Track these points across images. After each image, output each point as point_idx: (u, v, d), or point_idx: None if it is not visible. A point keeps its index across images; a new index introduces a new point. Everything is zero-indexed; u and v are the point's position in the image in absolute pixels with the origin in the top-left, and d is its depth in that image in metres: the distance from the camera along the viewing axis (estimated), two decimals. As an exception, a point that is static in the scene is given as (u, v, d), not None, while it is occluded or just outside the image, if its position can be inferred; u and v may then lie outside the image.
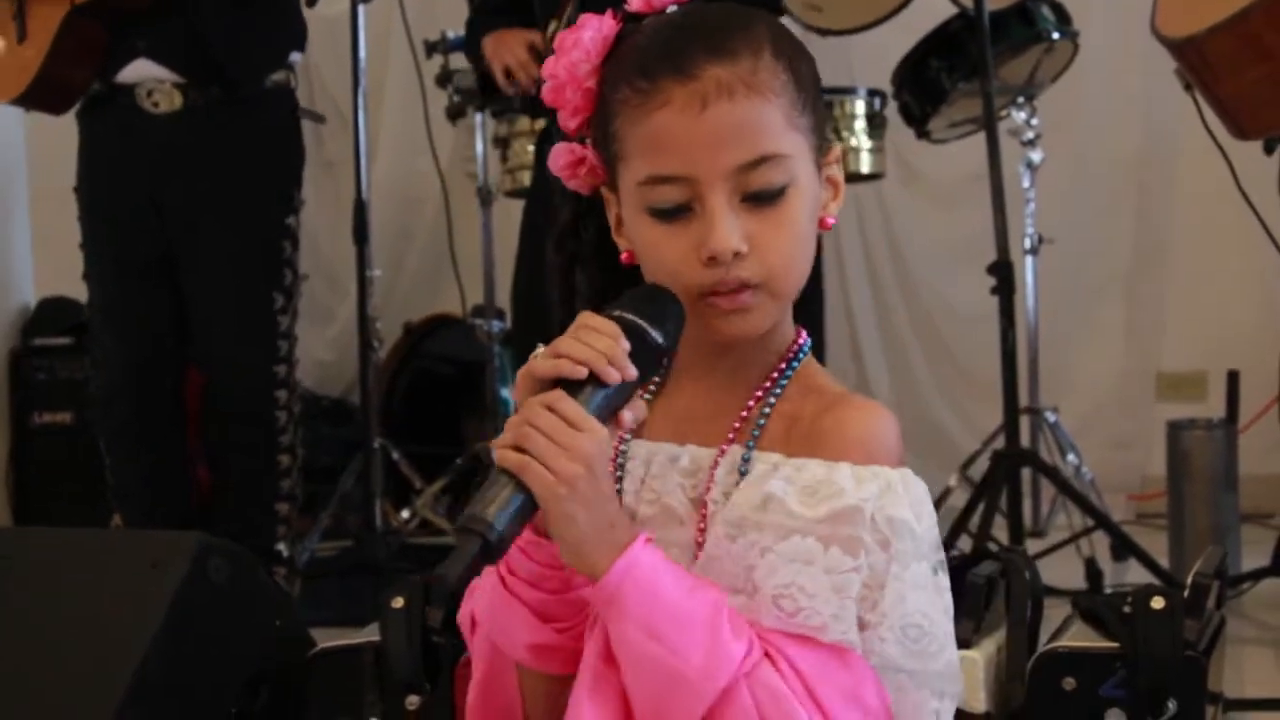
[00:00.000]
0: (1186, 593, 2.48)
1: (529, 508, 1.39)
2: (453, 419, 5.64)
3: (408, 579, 2.84)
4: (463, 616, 1.61)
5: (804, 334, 1.60)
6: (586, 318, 1.45)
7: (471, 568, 1.36)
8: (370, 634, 2.78)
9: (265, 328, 4.02)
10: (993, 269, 4.09)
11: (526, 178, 4.41)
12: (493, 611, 1.50)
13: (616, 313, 1.46)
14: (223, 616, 2.74)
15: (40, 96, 4.05)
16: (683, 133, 1.47)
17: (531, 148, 4.42)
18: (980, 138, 4.42)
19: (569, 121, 1.57)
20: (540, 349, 1.45)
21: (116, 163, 3.99)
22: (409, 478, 5.28)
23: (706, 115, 1.47)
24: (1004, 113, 4.96)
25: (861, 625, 1.44)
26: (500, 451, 1.39)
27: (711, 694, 1.39)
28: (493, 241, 5.38)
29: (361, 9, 4.72)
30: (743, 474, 1.50)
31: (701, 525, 1.50)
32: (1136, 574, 4.20)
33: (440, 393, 5.73)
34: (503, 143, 4.98)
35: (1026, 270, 5.20)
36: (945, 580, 1.49)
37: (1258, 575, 4.26)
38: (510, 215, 4.95)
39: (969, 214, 5.54)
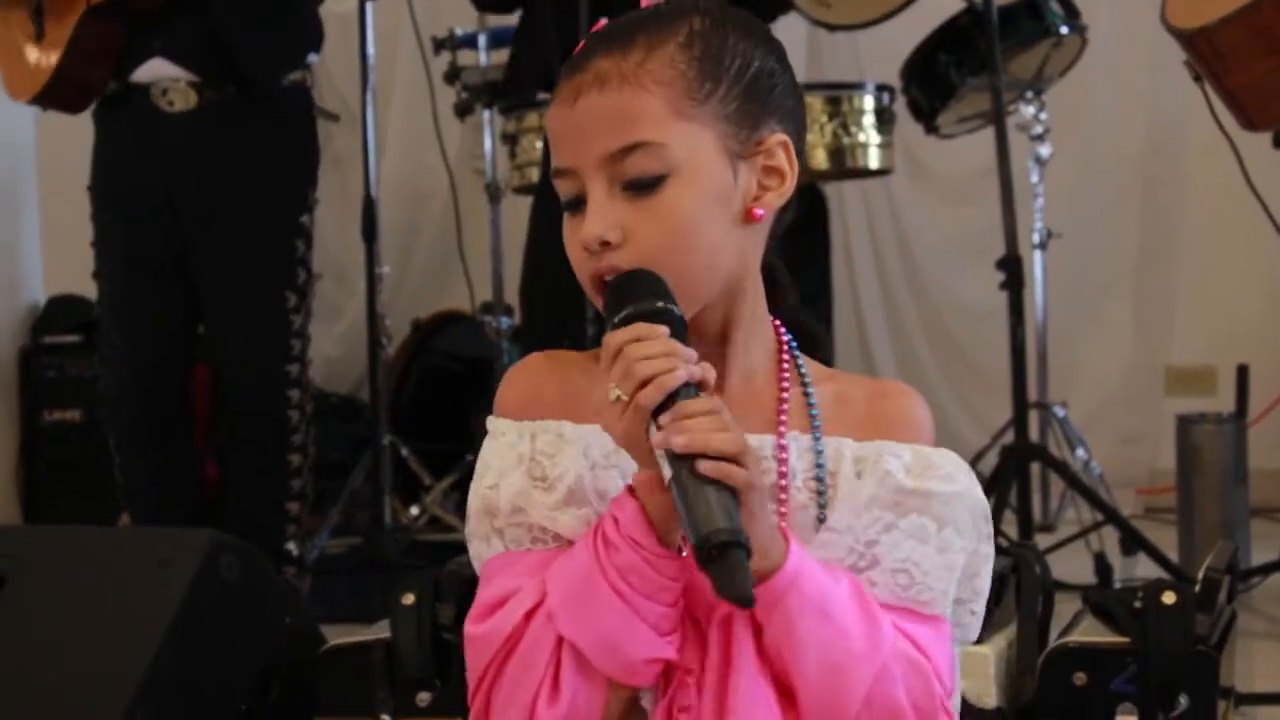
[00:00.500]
0: (1198, 587, 2.48)
1: (739, 503, 1.39)
2: (461, 415, 5.63)
3: (418, 575, 2.85)
4: (485, 633, 1.53)
5: (781, 326, 1.60)
6: (619, 336, 1.43)
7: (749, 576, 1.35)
8: (380, 630, 2.78)
9: (278, 326, 4.02)
10: (1001, 264, 4.09)
11: (535, 174, 4.41)
12: (600, 627, 1.43)
13: (632, 309, 1.45)
14: (233, 613, 2.74)
15: (57, 95, 4.06)
16: (561, 124, 1.51)
17: (540, 144, 4.42)
18: (988, 133, 4.42)
19: None
20: (611, 389, 1.42)
21: (131, 161, 3.99)
22: (418, 474, 5.28)
23: (578, 105, 1.49)
24: (1012, 108, 4.96)
25: (957, 602, 1.53)
26: (711, 464, 1.37)
27: (876, 667, 1.44)
28: (501, 238, 5.38)
29: (370, 6, 4.72)
30: (819, 462, 1.51)
31: (783, 512, 1.50)
32: (1146, 569, 4.20)
33: (449, 389, 5.73)
34: (511, 139, 4.98)
35: (1035, 265, 5.20)
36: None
37: (1268, 570, 4.26)
38: (518, 212, 4.95)
39: (977, 209, 5.54)
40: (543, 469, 1.53)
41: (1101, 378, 5.95)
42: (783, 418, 1.53)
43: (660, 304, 1.45)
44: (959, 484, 1.51)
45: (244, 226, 3.95)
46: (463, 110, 5.28)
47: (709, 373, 1.42)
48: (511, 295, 4.98)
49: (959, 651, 1.58)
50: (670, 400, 1.40)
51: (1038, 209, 5.20)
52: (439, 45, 5.26)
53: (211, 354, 4.11)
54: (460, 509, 5.28)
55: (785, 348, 1.58)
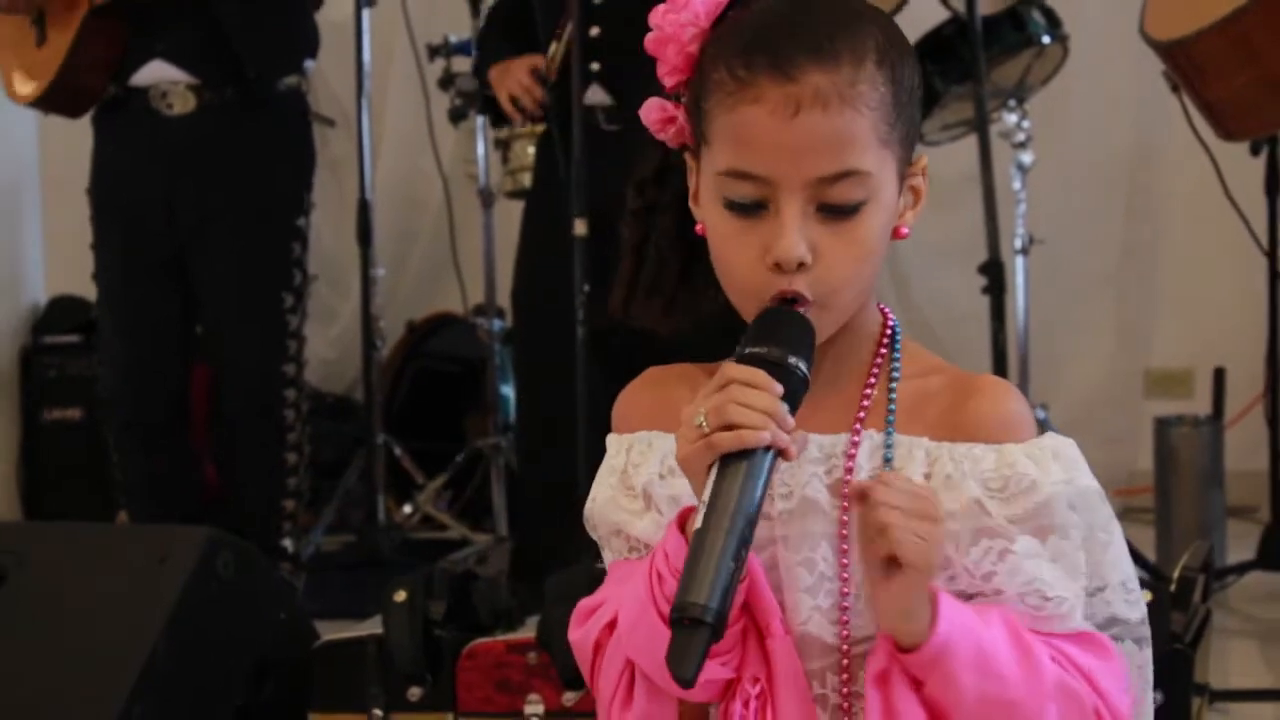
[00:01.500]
0: (1173, 586, 2.49)
1: (740, 576, 1.37)
2: (454, 416, 5.63)
3: (410, 573, 2.85)
4: (582, 640, 1.55)
5: (890, 313, 1.57)
6: (735, 372, 1.40)
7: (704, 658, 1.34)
8: (373, 626, 2.78)
9: (275, 327, 4.02)
10: (984, 269, 4.09)
11: (527, 179, 4.40)
12: (655, 654, 1.41)
13: (753, 351, 1.42)
14: (229, 609, 2.75)
15: (58, 100, 4.06)
16: (770, 134, 1.42)
17: (532, 150, 4.42)
18: (972, 140, 4.42)
19: (666, 77, 1.52)
20: (699, 412, 1.39)
21: (129, 164, 3.99)
22: (411, 473, 5.28)
23: (797, 122, 1.41)
24: (995, 115, 4.96)
25: (1092, 593, 1.47)
26: (880, 535, 1.36)
27: (1041, 709, 1.40)
28: (494, 242, 5.37)
29: (366, 13, 4.72)
30: (887, 458, 1.48)
31: (844, 511, 1.47)
32: (1124, 567, 4.20)
33: (442, 390, 5.73)
34: (503, 145, 4.97)
35: (1017, 270, 5.20)
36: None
37: (1243, 569, 4.27)
38: (511, 216, 4.94)
39: (961, 215, 5.53)
40: (630, 478, 1.55)
41: (1081, 380, 5.96)
42: (860, 414, 1.50)
43: (793, 360, 1.41)
44: (1048, 486, 1.44)
45: (241, 229, 3.96)
46: (456, 116, 5.28)
47: (793, 447, 1.39)
48: (504, 298, 4.98)
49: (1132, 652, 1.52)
50: (743, 455, 1.37)
51: (1020, 215, 5.19)
52: (433, 52, 5.25)
53: (209, 355, 4.11)
54: (451, 508, 5.29)
55: (885, 341, 1.55)
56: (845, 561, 1.47)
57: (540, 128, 4.10)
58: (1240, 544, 4.52)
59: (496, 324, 5.26)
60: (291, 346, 4.07)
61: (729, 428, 1.37)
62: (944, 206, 5.96)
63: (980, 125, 4.15)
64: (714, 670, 1.44)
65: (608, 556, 1.58)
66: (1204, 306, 5.79)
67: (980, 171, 4.11)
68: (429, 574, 2.84)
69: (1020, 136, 5.11)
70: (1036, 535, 1.44)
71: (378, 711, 2.71)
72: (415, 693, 2.73)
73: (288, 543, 4.10)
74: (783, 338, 1.42)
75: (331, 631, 2.88)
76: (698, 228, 1.52)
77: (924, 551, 1.37)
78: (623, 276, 1.60)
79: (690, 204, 1.54)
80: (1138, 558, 4.08)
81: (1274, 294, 4.34)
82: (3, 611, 2.74)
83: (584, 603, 1.56)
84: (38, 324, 5.49)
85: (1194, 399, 5.49)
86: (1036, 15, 4.85)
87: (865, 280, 1.49)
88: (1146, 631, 1.53)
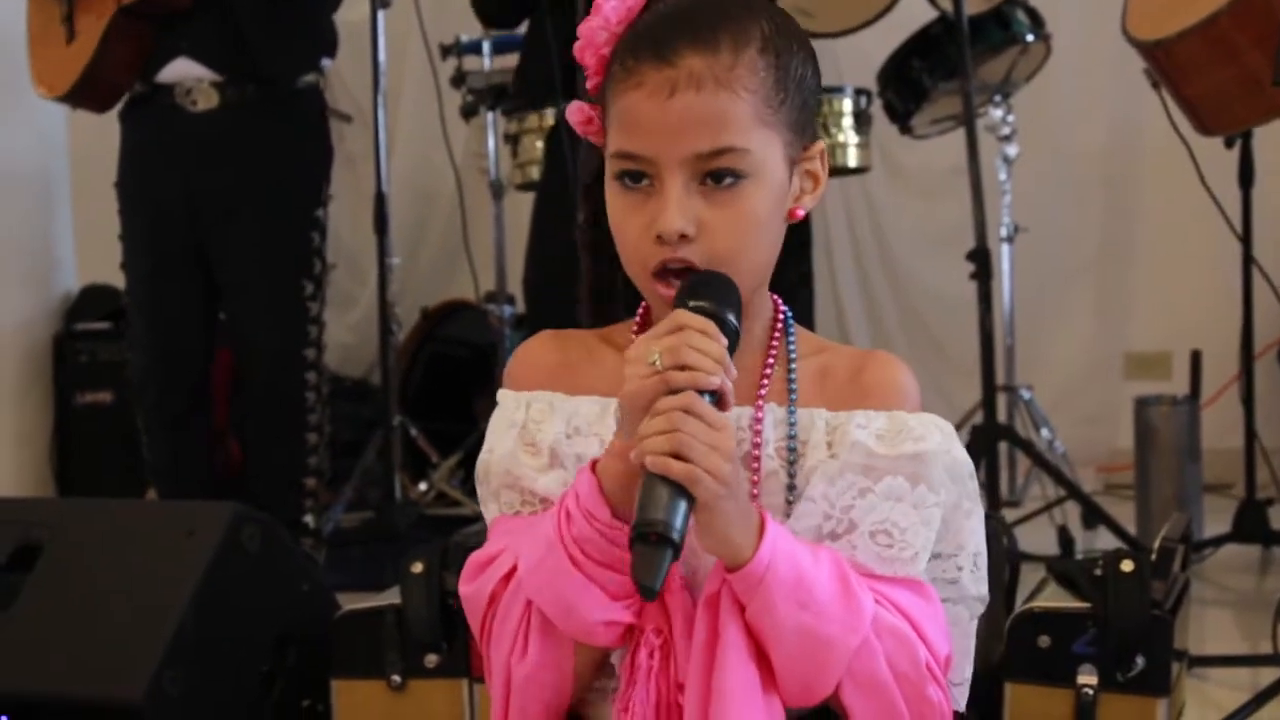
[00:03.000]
0: (1154, 557, 2.48)
1: (691, 506, 1.38)
2: (467, 398, 5.64)
3: (426, 546, 2.85)
4: (471, 592, 1.55)
5: (780, 302, 1.59)
6: (684, 318, 1.42)
7: (666, 572, 1.35)
8: (391, 597, 2.78)
9: (296, 313, 4.02)
10: (971, 256, 4.09)
11: (536, 172, 4.40)
12: (559, 592, 1.45)
13: (697, 303, 1.44)
14: (254, 581, 2.75)
15: (86, 94, 4.05)
16: (649, 115, 1.46)
17: (540, 144, 4.41)
18: (960, 133, 4.42)
19: (589, 80, 1.56)
20: (652, 351, 1.41)
21: (154, 158, 3.99)
22: (426, 453, 5.29)
23: (673, 102, 1.45)
24: (982, 110, 4.96)
25: (938, 556, 1.50)
26: (659, 460, 1.37)
27: (853, 646, 1.42)
28: (504, 232, 5.38)
29: (381, 14, 4.71)
30: (791, 433, 1.51)
31: (755, 479, 1.50)
32: (1105, 541, 4.21)
33: (455, 373, 5.73)
34: (513, 139, 4.97)
35: (1003, 257, 5.21)
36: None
37: (1219, 541, 4.28)
38: (520, 207, 4.95)
39: (949, 205, 5.55)
40: (531, 435, 1.55)
41: (1064, 363, 5.96)
42: (762, 390, 1.53)
43: (731, 316, 1.45)
44: (931, 442, 1.49)
45: (262, 220, 3.95)
46: (468, 112, 5.28)
47: (730, 394, 1.42)
48: (514, 285, 4.98)
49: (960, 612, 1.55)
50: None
51: (1005, 205, 5.20)
52: (446, 51, 5.25)
53: (233, 340, 4.12)
54: (465, 486, 5.29)
55: (779, 323, 1.58)
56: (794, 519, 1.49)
57: (549, 121, 4.10)
58: (1216, 518, 4.52)
59: (507, 310, 5.26)
60: (312, 332, 4.06)
61: (683, 368, 1.40)
62: (933, 197, 5.98)
63: (967, 119, 4.14)
64: (614, 612, 1.46)
65: (491, 510, 1.57)
66: (1181, 292, 5.79)
67: (968, 163, 4.11)
68: (444, 547, 2.84)
69: (1005, 130, 5.12)
70: (910, 480, 1.47)
71: (396, 678, 2.71)
72: (432, 660, 2.73)
73: (309, 519, 4.10)
74: (718, 294, 1.45)
75: (352, 602, 2.88)
76: None
77: (714, 488, 1.37)
78: (585, 288, 1.63)
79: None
80: (1118, 531, 4.08)
81: (1248, 280, 4.34)
82: (39, 583, 2.74)
83: (475, 556, 1.55)
84: (70, 312, 5.49)
85: (1172, 380, 5.49)
86: (1021, 14, 4.85)
87: (756, 254, 1.51)
88: (981, 609, 1.57)
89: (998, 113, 5.10)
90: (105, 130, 4.21)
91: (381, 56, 4.76)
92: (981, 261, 4.07)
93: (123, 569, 2.72)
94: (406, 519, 4.77)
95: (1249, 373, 4.39)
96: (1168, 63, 3.44)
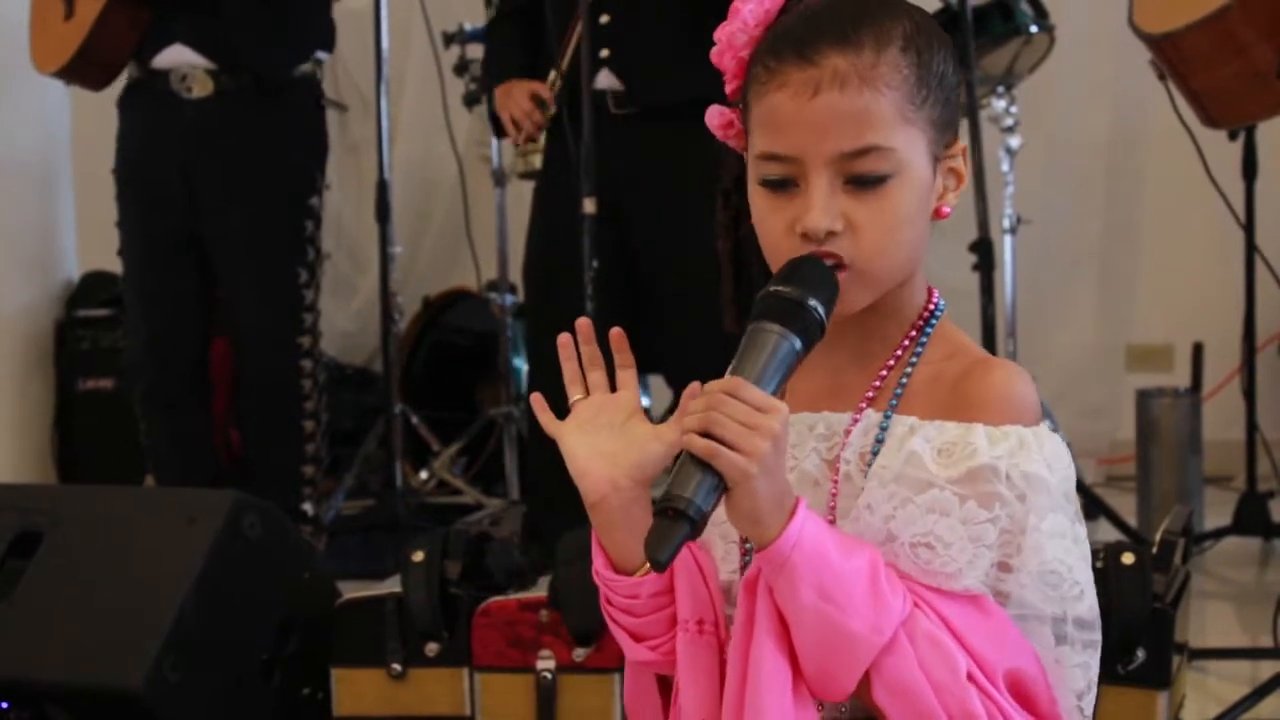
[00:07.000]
0: (1155, 550, 2.48)
1: (721, 487, 1.38)
2: (468, 386, 5.63)
3: (427, 535, 2.85)
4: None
5: (937, 295, 1.58)
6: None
7: (679, 547, 1.36)
8: (392, 585, 2.79)
9: (290, 301, 4.03)
10: (974, 247, 4.09)
11: (538, 160, 4.38)
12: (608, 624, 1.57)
13: (780, 287, 1.44)
14: (255, 568, 2.75)
15: (81, 71, 4.06)
16: (792, 115, 1.46)
17: (542, 135, 4.41)
18: (963, 124, 4.41)
19: (727, 84, 1.56)
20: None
21: (150, 145, 4.00)
22: (427, 441, 5.28)
23: (816, 101, 1.45)
24: (985, 101, 4.95)
25: (1004, 569, 1.44)
26: (688, 438, 1.38)
27: (877, 646, 1.40)
28: (506, 220, 5.37)
29: (384, 3, 4.71)
30: (879, 439, 1.49)
31: (834, 486, 1.50)
32: (1106, 532, 4.21)
33: (456, 362, 5.73)
34: (516, 128, 4.97)
35: (1005, 249, 5.19)
36: (1083, 530, 1.48)
37: (1220, 534, 4.28)
38: (522, 196, 4.93)
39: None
40: None
41: (1066, 354, 5.95)
42: (870, 394, 1.52)
43: (812, 302, 1.43)
44: (982, 458, 1.44)
45: (256, 208, 3.96)
46: (471, 101, 5.27)
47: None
48: (516, 274, 4.97)
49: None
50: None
51: (1008, 196, 5.19)
52: (449, 39, 5.24)
53: (228, 327, 4.12)
54: (466, 473, 5.29)
55: (918, 324, 1.56)
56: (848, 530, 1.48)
57: (537, 145, 4.06)
58: (1217, 511, 4.52)
59: (508, 299, 5.26)
60: (307, 319, 4.07)
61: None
62: (936, 188, 5.96)
63: (970, 110, 4.14)
64: (642, 653, 1.53)
65: None
66: (1183, 284, 5.78)
67: (970, 154, 4.10)
68: (445, 536, 2.84)
69: (1008, 121, 5.10)
70: (959, 495, 1.43)
71: (396, 666, 2.71)
72: (432, 648, 2.73)
73: (308, 506, 4.10)
74: (806, 280, 1.45)
75: (352, 590, 2.89)
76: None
77: (739, 465, 1.37)
78: (727, 293, 1.62)
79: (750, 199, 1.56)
80: (1119, 523, 4.08)
81: (1250, 272, 4.33)
82: (40, 570, 2.74)
83: None
84: (71, 298, 5.48)
85: (1173, 372, 5.48)
86: (1024, 6, 4.84)
87: (901, 252, 1.51)
88: (1092, 635, 1.48)
89: (1001, 104, 5.09)
90: (107, 117, 4.20)
91: (384, 45, 4.76)
92: (984, 253, 4.07)
93: (123, 556, 2.72)
94: (407, 507, 4.77)
95: (1251, 365, 4.39)
96: (1175, 56, 3.43)
